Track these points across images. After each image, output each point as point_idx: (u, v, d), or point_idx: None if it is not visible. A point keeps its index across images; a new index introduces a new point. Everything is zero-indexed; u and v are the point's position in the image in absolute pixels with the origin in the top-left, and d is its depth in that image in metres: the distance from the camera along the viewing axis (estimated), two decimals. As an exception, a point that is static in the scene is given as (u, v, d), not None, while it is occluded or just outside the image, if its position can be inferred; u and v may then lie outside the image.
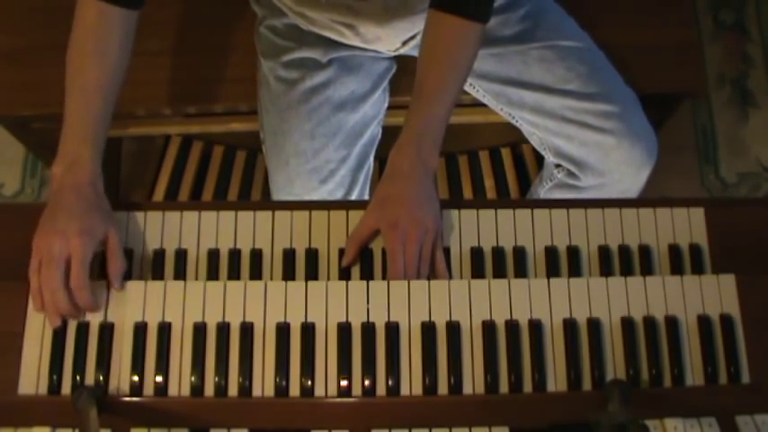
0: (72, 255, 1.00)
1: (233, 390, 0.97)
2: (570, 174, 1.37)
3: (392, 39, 1.33)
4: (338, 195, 1.32)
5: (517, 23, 1.33)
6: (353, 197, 1.34)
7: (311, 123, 1.30)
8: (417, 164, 1.09)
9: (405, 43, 1.35)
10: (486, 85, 1.37)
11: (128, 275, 1.06)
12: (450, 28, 1.13)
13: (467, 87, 1.35)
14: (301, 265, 1.08)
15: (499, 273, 1.07)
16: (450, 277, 1.07)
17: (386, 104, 1.41)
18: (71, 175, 1.05)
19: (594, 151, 1.32)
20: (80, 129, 1.08)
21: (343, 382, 0.98)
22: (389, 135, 1.41)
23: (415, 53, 1.37)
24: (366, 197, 1.38)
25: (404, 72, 1.42)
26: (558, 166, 1.38)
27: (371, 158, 1.38)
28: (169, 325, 1.00)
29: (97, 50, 1.10)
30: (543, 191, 1.44)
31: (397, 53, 1.38)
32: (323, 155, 1.30)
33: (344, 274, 1.07)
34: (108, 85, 1.11)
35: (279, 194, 1.33)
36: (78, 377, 0.98)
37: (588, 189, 1.36)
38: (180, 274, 1.06)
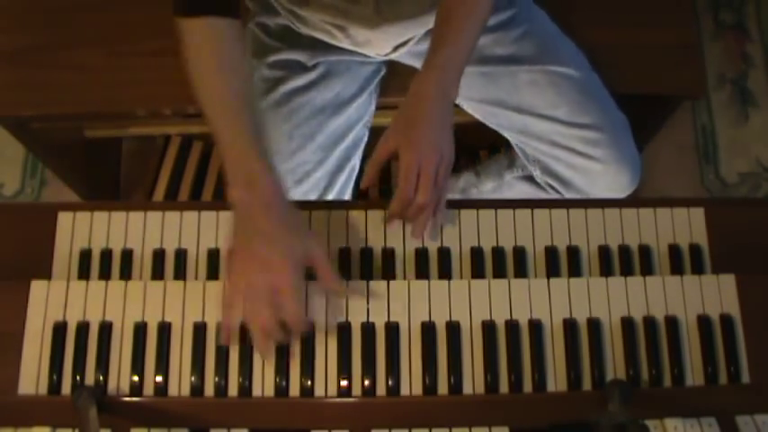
0: (281, 288, 0.95)
1: (233, 390, 0.97)
2: (551, 186, 1.38)
3: (383, 43, 1.33)
4: (312, 197, 1.32)
5: (511, 44, 1.33)
6: (330, 199, 1.34)
7: (289, 124, 1.31)
8: (440, 91, 1.10)
9: (396, 49, 1.35)
10: (474, 106, 1.38)
11: (128, 275, 1.06)
12: None
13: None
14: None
15: (499, 273, 1.07)
16: (450, 277, 1.07)
17: (373, 107, 1.40)
18: (254, 194, 0.99)
19: (581, 175, 1.33)
20: (242, 145, 1.02)
21: (343, 382, 0.98)
22: (378, 136, 1.41)
23: (407, 60, 1.38)
24: (347, 198, 1.38)
25: (393, 74, 1.42)
26: (533, 160, 1.39)
27: (356, 160, 1.38)
28: (169, 325, 1.00)
29: (224, 66, 1.06)
30: (511, 176, 1.44)
31: (387, 58, 1.38)
32: (299, 156, 1.30)
33: (344, 274, 1.07)
34: (248, 96, 1.08)
35: None
36: (78, 377, 0.98)
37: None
38: (180, 274, 1.06)
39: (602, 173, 1.32)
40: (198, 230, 1.08)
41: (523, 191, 1.43)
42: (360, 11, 1.24)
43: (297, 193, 1.30)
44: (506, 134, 1.39)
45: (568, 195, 1.36)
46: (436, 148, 1.06)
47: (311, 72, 1.33)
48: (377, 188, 1.05)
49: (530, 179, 1.43)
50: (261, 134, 1.05)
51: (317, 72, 1.33)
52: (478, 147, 1.84)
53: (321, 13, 1.27)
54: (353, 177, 1.39)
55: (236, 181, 1.01)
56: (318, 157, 1.32)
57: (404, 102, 1.12)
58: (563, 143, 1.32)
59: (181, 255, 1.07)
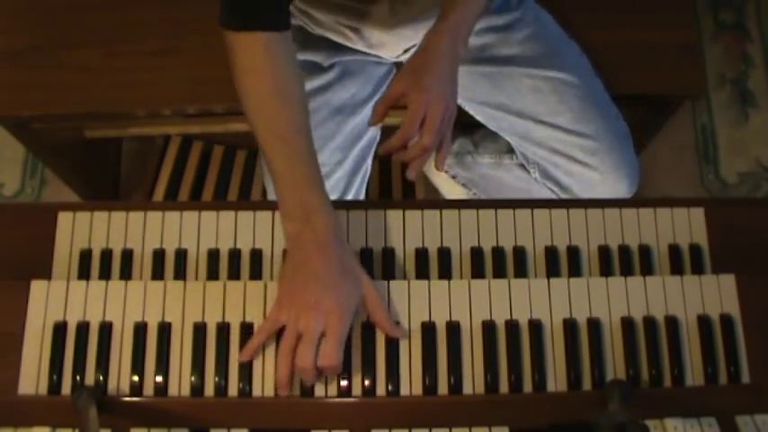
0: (328, 332, 0.95)
1: (233, 390, 0.97)
2: (549, 188, 1.38)
3: (395, 45, 1.33)
4: (332, 198, 1.31)
5: (516, 45, 1.33)
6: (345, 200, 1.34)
7: None
8: (450, 48, 1.15)
9: (406, 51, 1.35)
10: (476, 108, 1.38)
11: (128, 275, 1.06)
12: None
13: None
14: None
15: (499, 273, 1.07)
16: (450, 277, 1.07)
17: None
18: (309, 230, 0.98)
19: (578, 182, 1.33)
20: (299, 177, 1.01)
21: (343, 382, 0.98)
22: (389, 135, 1.41)
23: None
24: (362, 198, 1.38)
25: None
26: (532, 162, 1.39)
27: (369, 161, 1.38)
28: (169, 325, 1.00)
29: (281, 91, 1.03)
30: (510, 161, 1.44)
31: (397, 60, 1.38)
32: (319, 158, 1.30)
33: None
34: (305, 126, 1.04)
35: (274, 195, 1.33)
36: (78, 377, 0.98)
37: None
38: (180, 274, 1.06)
39: (599, 181, 1.32)
40: (198, 230, 1.08)
41: (520, 176, 1.42)
42: (375, 12, 1.25)
43: None
44: (507, 137, 1.39)
45: (564, 197, 1.36)
46: (444, 95, 1.12)
47: (328, 73, 1.33)
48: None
49: (517, 166, 1.43)
50: (317, 165, 1.04)
51: (334, 73, 1.33)
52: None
53: (335, 14, 1.27)
54: (367, 178, 1.40)
55: (293, 215, 1.00)
56: (337, 158, 1.32)
57: (414, 53, 1.17)
58: (562, 150, 1.32)
59: (181, 255, 1.07)
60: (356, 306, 0.98)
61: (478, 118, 1.40)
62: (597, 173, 1.32)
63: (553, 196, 1.39)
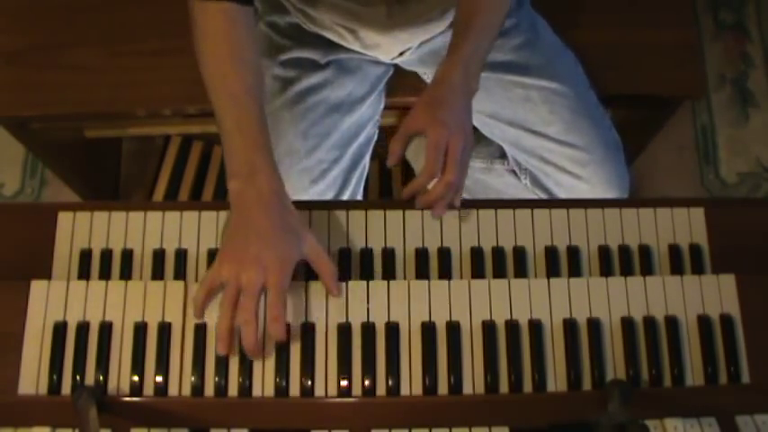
0: (269, 286, 0.95)
1: (233, 390, 0.97)
2: (537, 195, 1.38)
3: (391, 47, 1.33)
4: (329, 196, 1.31)
5: (510, 52, 1.33)
6: (345, 198, 1.34)
7: (305, 123, 1.30)
8: (464, 82, 1.13)
9: (401, 54, 1.35)
10: None
11: (128, 275, 1.06)
12: None
13: None
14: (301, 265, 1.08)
15: (499, 273, 1.07)
16: (450, 277, 1.07)
17: (382, 106, 1.41)
18: (252, 188, 1.00)
19: (567, 192, 1.33)
20: (247, 137, 1.03)
21: (343, 382, 0.98)
22: (387, 135, 1.41)
23: (410, 66, 1.39)
24: (359, 198, 1.38)
25: (401, 74, 1.42)
26: (523, 169, 1.39)
27: (367, 159, 1.38)
28: (169, 325, 1.00)
29: (235, 54, 1.06)
30: (501, 167, 1.43)
31: (393, 62, 1.39)
32: (316, 155, 1.30)
33: (344, 275, 1.07)
34: (256, 88, 1.07)
35: None
36: (78, 377, 0.98)
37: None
38: (180, 274, 1.06)
39: (587, 193, 1.32)
40: (198, 230, 1.08)
41: (510, 182, 1.42)
42: (372, 14, 1.25)
43: (313, 193, 1.30)
44: (499, 143, 1.39)
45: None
46: (462, 127, 1.09)
47: (324, 70, 1.33)
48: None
49: (509, 173, 1.43)
50: (266, 128, 1.05)
51: (330, 70, 1.33)
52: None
53: (332, 14, 1.27)
54: (365, 176, 1.39)
55: (237, 172, 1.01)
56: (334, 155, 1.32)
57: (429, 86, 1.15)
58: (552, 160, 1.32)
59: (181, 255, 1.07)
60: (296, 260, 0.98)
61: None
62: (586, 184, 1.31)
63: (521, 175, 1.38)
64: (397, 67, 1.42)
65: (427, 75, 1.40)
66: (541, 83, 1.31)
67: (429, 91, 1.13)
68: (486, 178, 1.46)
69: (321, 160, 1.30)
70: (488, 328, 1.00)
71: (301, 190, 1.29)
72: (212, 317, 1.00)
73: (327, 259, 1.00)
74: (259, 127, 1.04)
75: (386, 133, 1.40)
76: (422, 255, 1.08)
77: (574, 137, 1.31)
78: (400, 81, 1.42)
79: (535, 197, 1.38)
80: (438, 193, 1.06)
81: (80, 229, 1.08)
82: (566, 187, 1.33)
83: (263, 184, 1.00)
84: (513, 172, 1.40)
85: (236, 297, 0.96)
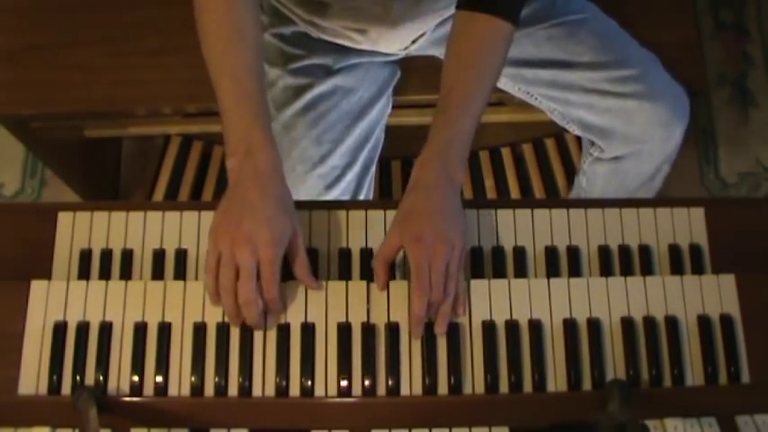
0: (263, 264, 0.95)
1: (233, 390, 0.97)
2: (599, 148, 1.37)
3: (403, 38, 1.33)
4: (344, 199, 1.31)
5: (527, 6, 1.29)
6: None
7: (318, 129, 1.30)
8: (443, 177, 1.04)
9: (414, 41, 1.35)
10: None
11: (128, 275, 1.06)
12: (479, 27, 1.10)
13: None
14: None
15: (499, 273, 1.07)
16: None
17: (389, 110, 1.40)
18: (250, 165, 0.99)
19: (618, 117, 1.31)
20: (246, 114, 1.01)
21: (343, 382, 0.98)
22: (391, 137, 1.41)
23: (425, 51, 1.38)
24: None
25: (406, 73, 1.42)
26: (592, 144, 1.38)
27: (375, 163, 1.38)
28: (169, 325, 1.00)
29: (236, 32, 1.04)
30: (586, 164, 1.44)
31: (405, 52, 1.38)
32: (330, 161, 1.30)
33: (344, 275, 1.07)
34: (256, 66, 1.05)
35: None
36: (78, 377, 0.98)
37: (625, 159, 1.36)
38: (180, 274, 1.06)
39: (637, 109, 1.29)
40: (198, 230, 1.08)
41: (598, 172, 1.42)
42: (382, 11, 1.24)
43: (328, 199, 1.30)
44: (536, 95, 1.36)
45: (613, 148, 1.34)
46: (444, 239, 0.99)
47: (335, 77, 1.33)
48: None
49: (595, 161, 1.42)
50: (266, 106, 1.04)
51: (341, 76, 1.33)
52: (479, 147, 1.85)
53: (342, 19, 1.27)
54: (373, 179, 1.39)
55: (236, 149, 1.01)
56: (347, 160, 1.32)
57: (406, 192, 1.06)
58: (593, 87, 1.30)
59: (181, 255, 1.07)
60: (287, 243, 0.98)
61: (502, 84, 1.36)
62: (632, 100, 1.28)
63: (608, 168, 1.38)
64: (402, 68, 1.41)
65: (442, 54, 1.39)
66: (561, 19, 1.31)
67: (404, 200, 1.04)
68: (590, 185, 1.45)
69: (335, 166, 1.30)
70: (488, 328, 1.00)
71: (316, 196, 1.29)
72: (212, 317, 1.00)
73: (304, 254, 1.00)
74: (258, 104, 1.03)
75: (387, 134, 1.40)
76: (422, 255, 1.08)
77: (607, 56, 1.29)
78: (406, 80, 1.42)
79: (594, 152, 1.38)
80: (431, 315, 0.99)
81: (80, 229, 1.08)
82: (614, 112, 1.30)
83: (260, 162, 1.00)
84: (595, 160, 1.39)
85: (235, 278, 0.96)
